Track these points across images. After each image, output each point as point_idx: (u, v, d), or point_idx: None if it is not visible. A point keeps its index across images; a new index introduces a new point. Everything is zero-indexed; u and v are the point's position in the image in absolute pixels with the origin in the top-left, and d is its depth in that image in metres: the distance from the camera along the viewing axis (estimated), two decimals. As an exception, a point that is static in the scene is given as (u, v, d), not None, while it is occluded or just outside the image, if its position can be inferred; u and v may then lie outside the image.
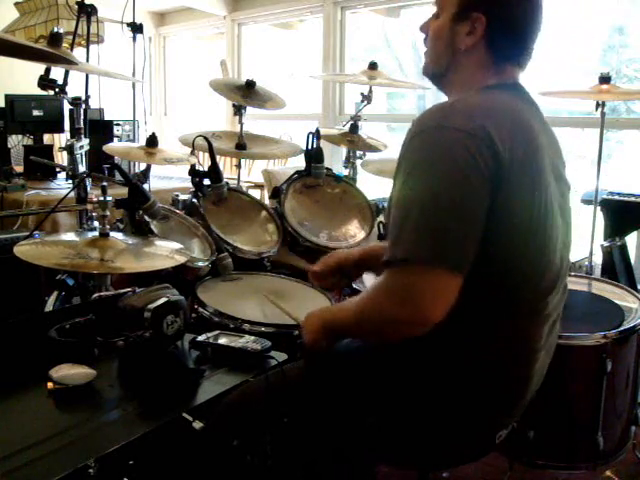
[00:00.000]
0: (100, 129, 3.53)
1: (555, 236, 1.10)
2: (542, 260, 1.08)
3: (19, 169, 3.65)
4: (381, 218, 2.39)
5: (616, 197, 2.90)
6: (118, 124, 3.65)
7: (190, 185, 2.09)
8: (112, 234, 1.47)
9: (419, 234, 0.98)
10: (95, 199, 1.67)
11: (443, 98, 1.24)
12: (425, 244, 0.97)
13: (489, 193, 0.99)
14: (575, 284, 2.07)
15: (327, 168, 2.46)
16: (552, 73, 4.16)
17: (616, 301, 1.91)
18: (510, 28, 1.12)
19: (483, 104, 1.08)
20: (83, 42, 2.91)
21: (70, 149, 2.16)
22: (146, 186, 1.96)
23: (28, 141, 3.89)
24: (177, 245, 1.60)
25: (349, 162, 2.83)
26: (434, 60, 1.20)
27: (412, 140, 1.04)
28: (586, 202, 2.92)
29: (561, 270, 1.14)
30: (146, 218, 1.72)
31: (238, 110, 2.66)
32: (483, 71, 1.14)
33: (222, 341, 1.37)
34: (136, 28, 3.06)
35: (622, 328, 1.71)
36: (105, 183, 1.63)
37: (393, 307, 1.00)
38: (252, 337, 1.39)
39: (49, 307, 2.11)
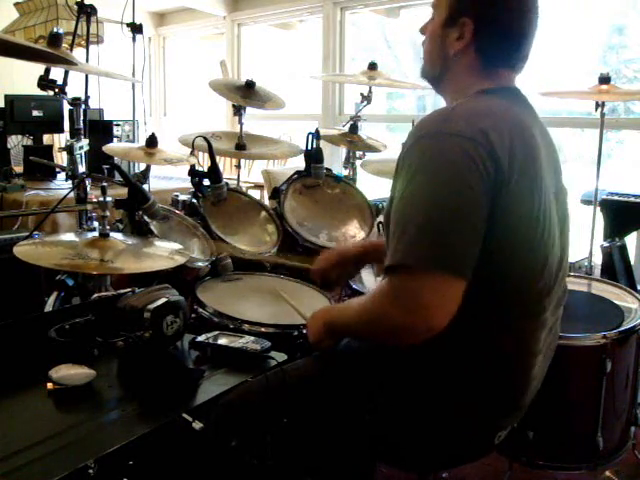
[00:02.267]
0: (100, 129, 3.52)
1: (552, 239, 1.10)
2: (539, 262, 1.08)
3: (19, 169, 3.65)
4: (381, 218, 2.39)
5: (616, 197, 2.90)
6: (118, 124, 3.65)
7: (190, 185, 2.09)
8: (112, 234, 1.47)
9: (422, 240, 0.97)
10: (95, 199, 1.66)
11: (442, 98, 1.25)
12: (428, 250, 0.97)
13: (490, 198, 0.99)
14: (575, 284, 2.07)
15: (327, 168, 2.46)
16: (552, 73, 4.16)
17: (616, 301, 1.91)
18: (499, 34, 1.12)
19: (483, 108, 1.08)
20: (83, 42, 2.91)
21: (70, 149, 2.15)
22: (146, 186, 1.97)
23: (28, 141, 3.88)
24: (177, 245, 1.60)
25: (349, 162, 2.83)
26: (429, 63, 1.22)
27: (413, 146, 1.04)
28: (586, 202, 2.92)
29: (559, 273, 1.14)
30: (146, 218, 1.72)
31: (238, 110, 2.66)
32: (474, 76, 1.15)
33: (222, 341, 1.37)
34: (136, 28, 3.05)
35: (622, 328, 1.71)
36: (105, 183, 1.63)
37: (397, 314, 0.98)
38: (252, 337, 1.39)
39: (49, 307, 2.11)
